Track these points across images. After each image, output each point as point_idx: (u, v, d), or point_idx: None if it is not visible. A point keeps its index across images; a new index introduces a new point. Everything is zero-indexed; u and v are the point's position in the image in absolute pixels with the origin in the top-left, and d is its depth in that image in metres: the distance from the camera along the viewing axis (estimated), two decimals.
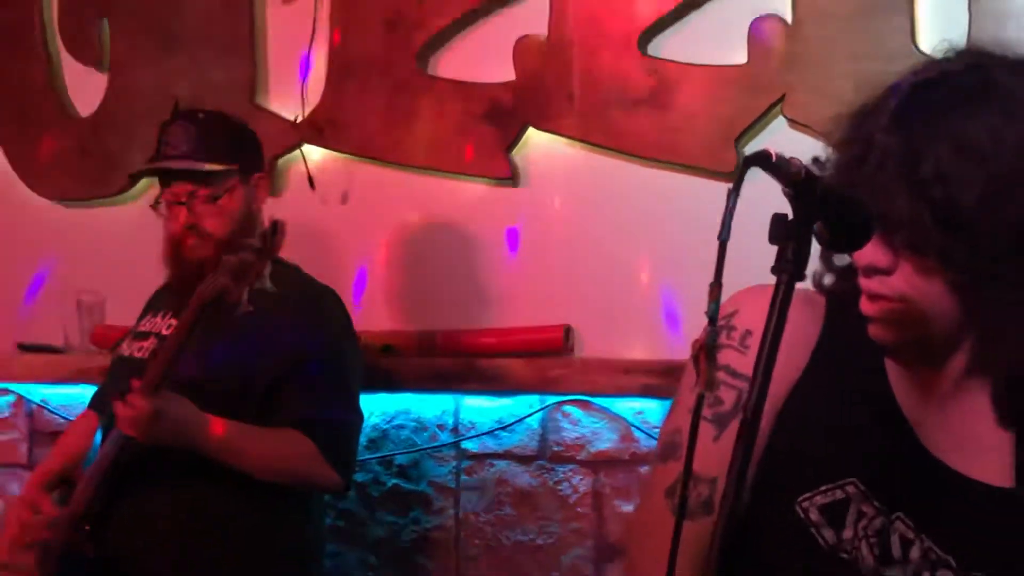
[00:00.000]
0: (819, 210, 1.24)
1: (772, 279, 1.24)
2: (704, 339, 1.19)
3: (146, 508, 2.64)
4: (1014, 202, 1.34)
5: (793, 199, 1.23)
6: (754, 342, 1.28)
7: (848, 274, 1.50)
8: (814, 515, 1.47)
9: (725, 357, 1.51)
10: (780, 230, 1.22)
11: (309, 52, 3.48)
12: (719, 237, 1.16)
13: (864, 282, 1.43)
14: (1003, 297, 1.39)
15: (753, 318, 1.30)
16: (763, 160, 1.21)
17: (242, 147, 2.84)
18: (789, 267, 1.21)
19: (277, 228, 2.54)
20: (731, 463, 1.21)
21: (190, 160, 2.79)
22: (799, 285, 1.39)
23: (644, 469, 2.96)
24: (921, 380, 1.52)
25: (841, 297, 1.54)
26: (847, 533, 1.47)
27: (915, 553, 1.47)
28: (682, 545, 1.25)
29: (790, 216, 1.22)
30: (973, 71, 1.42)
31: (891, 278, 1.40)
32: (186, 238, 2.78)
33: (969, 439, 1.51)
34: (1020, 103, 1.37)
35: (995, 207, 1.33)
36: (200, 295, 2.50)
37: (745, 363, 1.40)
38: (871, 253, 1.39)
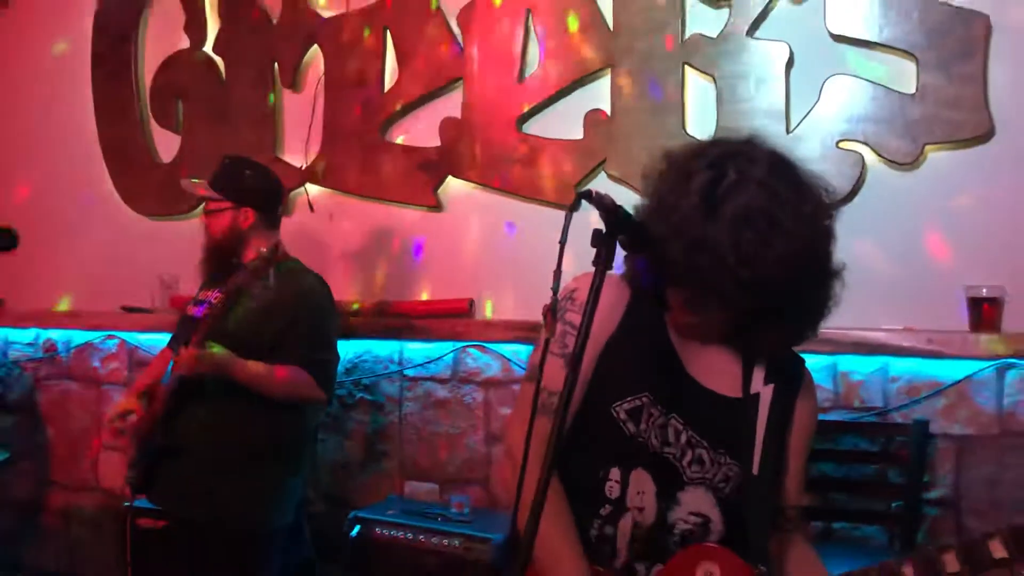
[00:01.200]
0: (621, 228, 1.25)
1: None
2: (550, 305, 1.19)
3: (199, 412, 2.58)
4: (797, 263, 1.33)
5: (605, 220, 1.24)
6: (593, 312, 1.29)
7: (648, 271, 1.50)
8: (622, 415, 1.50)
9: (570, 318, 1.53)
10: (597, 238, 1.23)
11: (311, 124, 3.41)
12: (560, 241, 1.17)
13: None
14: (768, 317, 1.42)
15: (587, 293, 1.29)
16: (588, 195, 1.22)
17: (240, 190, 2.72)
18: (602, 261, 1.22)
19: (277, 247, 2.55)
20: (564, 384, 1.24)
21: (205, 187, 2.77)
22: (619, 278, 1.40)
23: (516, 387, 2.96)
24: (687, 327, 1.53)
25: (642, 285, 1.53)
26: (642, 427, 1.50)
27: (683, 439, 1.51)
28: (537, 435, 1.26)
29: (603, 230, 1.23)
30: (729, 165, 1.36)
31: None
32: (204, 231, 2.79)
33: (715, 367, 1.54)
34: (771, 188, 1.33)
35: (786, 270, 1.32)
36: (230, 284, 2.46)
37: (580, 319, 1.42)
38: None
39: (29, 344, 4.01)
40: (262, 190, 2.77)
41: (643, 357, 1.52)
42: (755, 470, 1.48)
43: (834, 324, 2.56)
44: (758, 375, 1.53)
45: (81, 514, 3.87)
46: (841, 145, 2.59)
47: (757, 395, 1.52)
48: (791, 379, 1.57)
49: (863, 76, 2.58)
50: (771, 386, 1.53)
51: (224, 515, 2.54)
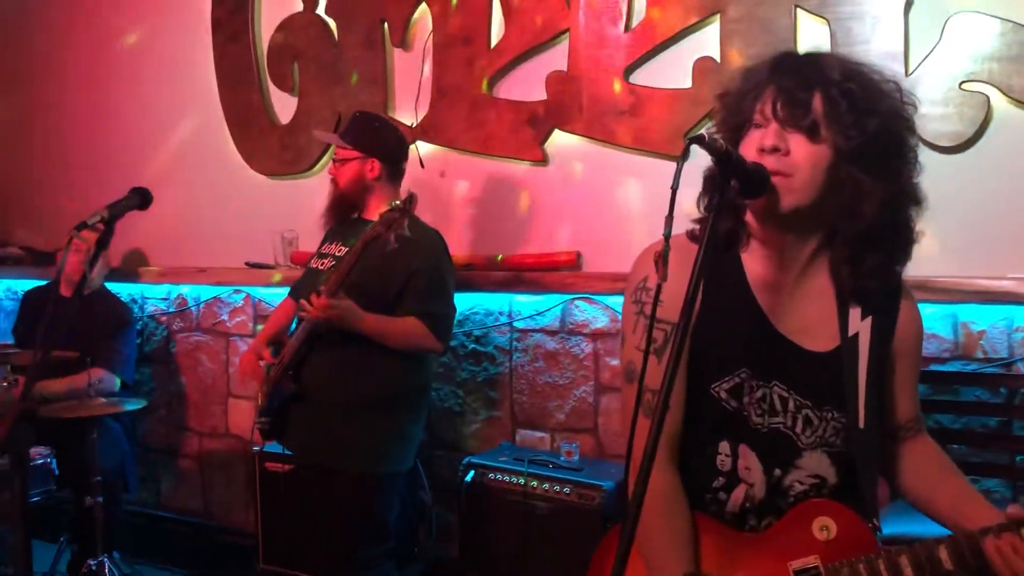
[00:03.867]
0: (734, 172, 1.22)
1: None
2: (660, 249, 1.16)
3: (325, 361, 2.65)
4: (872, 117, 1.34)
5: (717, 164, 1.21)
6: (667, 296, 1.28)
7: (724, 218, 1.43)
8: (723, 395, 1.47)
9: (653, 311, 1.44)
10: (709, 184, 1.20)
11: (420, 82, 3.45)
12: (671, 187, 1.14)
13: (767, 160, 1.35)
14: (863, 181, 1.35)
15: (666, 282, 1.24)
16: (700, 139, 1.19)
17: (368, 141, 2.78)
18: (714, 207, 1.19)
19: (412, 197, 2.53)
20: (662, 379, 1.15)
21: (336, 136, 2.86)
22: (683, 242, 1.37)
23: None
24: (774, 284, 1.47)
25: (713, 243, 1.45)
26: (745, 401, 1.47)
27: (791, 405, 1.47)
28: (642, 438, 1.18)
29: (716, 175, 1.21)
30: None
31: (787, 157, 1.35)
32: (332, 181, 2.85)
33: (806, 321, 1.48)
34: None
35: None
36: (365, 236, 2.48)
37: (664, 312, 1.42)
38: (775, 140, 1.35)
39: (162, 299, 4.24)
40: (388, 143, 2.83)
41: (733, 328, 1.47)
42: (861, 423, 1.43)
43: (955, 272, 2.47)
44: (855, 313, 1.46)
45: (213, 458, 4.10)
46: (965, 86, 2.47)
47: (855, 336, 1.46)
48: (889, 303, 1.49)
49: (989, 12, 2.44)
50: (869, 319, 1.46)
51: (349, 460, 2.63)
